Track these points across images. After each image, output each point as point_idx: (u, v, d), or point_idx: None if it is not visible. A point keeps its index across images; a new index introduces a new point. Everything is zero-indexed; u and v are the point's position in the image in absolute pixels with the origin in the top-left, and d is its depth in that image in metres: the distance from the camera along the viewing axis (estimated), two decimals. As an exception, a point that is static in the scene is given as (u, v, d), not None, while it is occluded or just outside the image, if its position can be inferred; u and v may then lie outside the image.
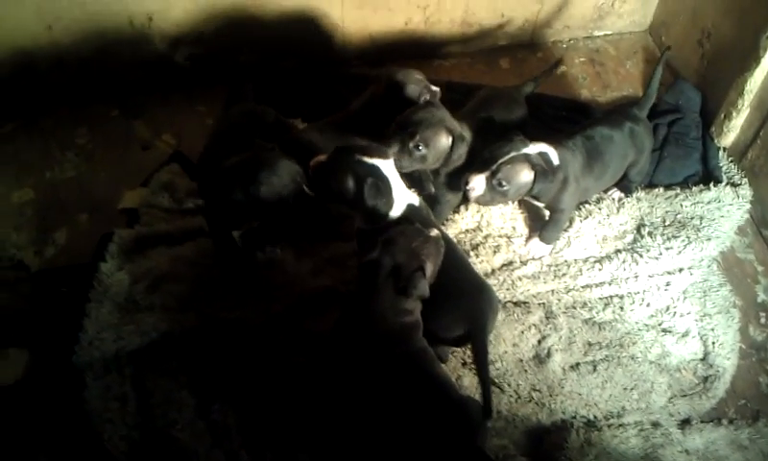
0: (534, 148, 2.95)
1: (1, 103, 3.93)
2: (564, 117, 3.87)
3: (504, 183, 2.91)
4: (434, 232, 2.65)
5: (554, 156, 2.98)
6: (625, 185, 3.49)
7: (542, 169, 2.92)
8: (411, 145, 2.89)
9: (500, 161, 2.91)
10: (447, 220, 3.41)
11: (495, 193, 2.95)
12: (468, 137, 3.13)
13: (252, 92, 3.68)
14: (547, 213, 3.31)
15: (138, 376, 2.97)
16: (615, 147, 3.23)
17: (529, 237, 3.37)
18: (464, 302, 2.70)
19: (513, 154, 2.91)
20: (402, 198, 2.81)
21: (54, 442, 2.86)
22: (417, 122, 2.91)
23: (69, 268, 3.33)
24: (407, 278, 2.48)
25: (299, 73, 4.13)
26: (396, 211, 2.80)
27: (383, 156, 2.79)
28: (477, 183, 2.93)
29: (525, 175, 2.92)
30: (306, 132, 3.30)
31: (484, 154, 2.99)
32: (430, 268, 2.57)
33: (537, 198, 3.13)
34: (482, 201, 3.00)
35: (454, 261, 2.75)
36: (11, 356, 3.09)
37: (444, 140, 2.96)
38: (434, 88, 3.25)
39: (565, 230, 3.36)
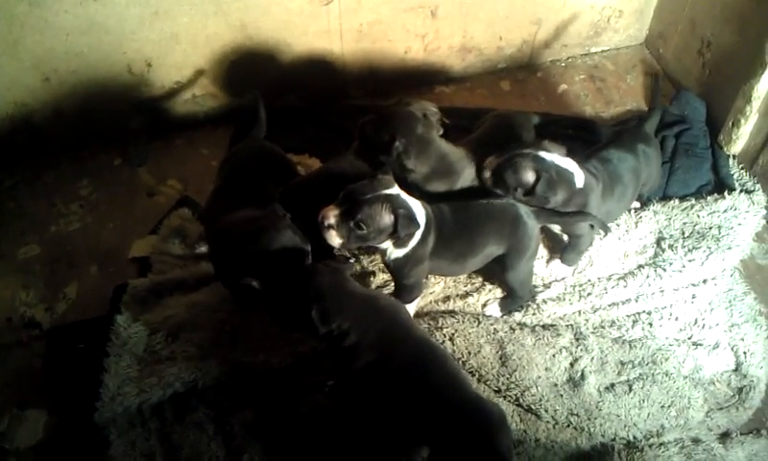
0: (556, 158, 2.92)
1: (1, 158, 3.88)
2: (571, 136, 3.84)
3: (505, 174, 2.90)
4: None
5: (579, 178, 2.94)
6: (638, 196, 3.48)
7: (549, 177, 2.88)
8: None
9: (512, 153, 2.91)
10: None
11: (499, 180, 2.94)
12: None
13: (262, 117, 3.54)
14: (565, 237, 3.29)
15: (164, 430, 2.90)
16: (632, 169, 3.21)
17: (550, 259, 3.34)
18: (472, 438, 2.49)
19: (526, 151, 2.90)
20: (421, 213, 2.81)
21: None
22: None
23: (83, 323, 3.26)
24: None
25: (300, 109, 4.10)
26: (421, 227, 2.80)
27: (391, 183, 2.79)
28: (488, 165, 2.95)
29: (528, 174, 2.88)
30: (328, 166, 3.26)
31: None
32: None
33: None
34: (487, 182, 2.98)
35: (446, 384, 2.55)
36: (29, 418, 3.02)
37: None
38: (432, 108, 3.30)
39: (588, 248, 3.33)
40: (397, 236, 2.73)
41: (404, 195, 2.77)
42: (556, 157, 2.92)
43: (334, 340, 2.51)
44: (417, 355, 2.54)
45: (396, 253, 2.87)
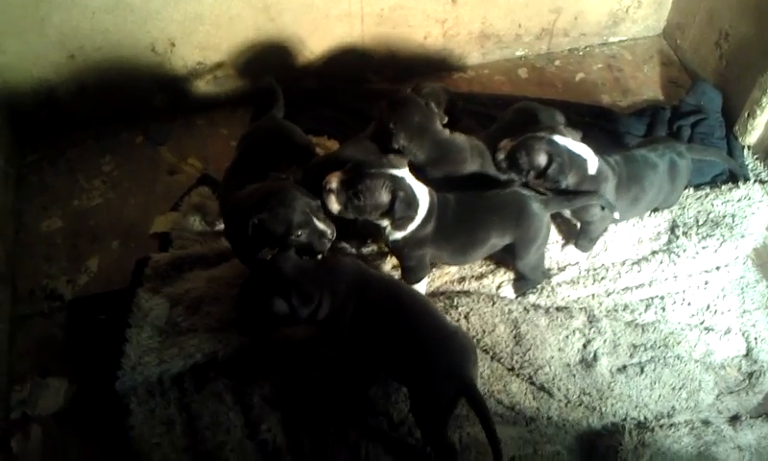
0: (569, 143, 2.98)
1: (25, 133, 3.94)
2: (588, 123, 3.87)
3: (519, 156, 2.97)
4: None
5: (592, 165, 3.00)
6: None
7: (561, 161, 2.94)
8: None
9: (526, 136, 2.98)
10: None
11: (512, 163, 3.00)
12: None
13: (280, 96, 3.56)
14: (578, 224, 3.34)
15: (183, 400, 2.96)
16: (655, 174, 3.23)
17: (565, 243, 3.39)
18: (440, 359, 2.56)
19: (540, 134, 2.97)
20: (424, 199, 2.86)
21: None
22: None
23: (105, 295, 3.33)
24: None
25: (319, 91, 4.15)
26: (421, 213, 2.86)
27: (402, 164, 2.83)
28: (503, 148, 3.03)
29: (540, 157, 2.95)
30: (345, 148, 3.27)
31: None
32: None
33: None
34: (500, 167, 3.05)
35: (416, 319, 2.67)
36: (50, 386, 3.08)
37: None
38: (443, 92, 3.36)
39: (601, 235, 3.36)
40: (393, 217, 2.79)
41: (410, 179, 2.81)
42: (569, 142, 2.97)
43: (312, 318, 2.60)
44: (385, 292, 2.68)
45: (394, 234, 2.92)
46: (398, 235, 2.92)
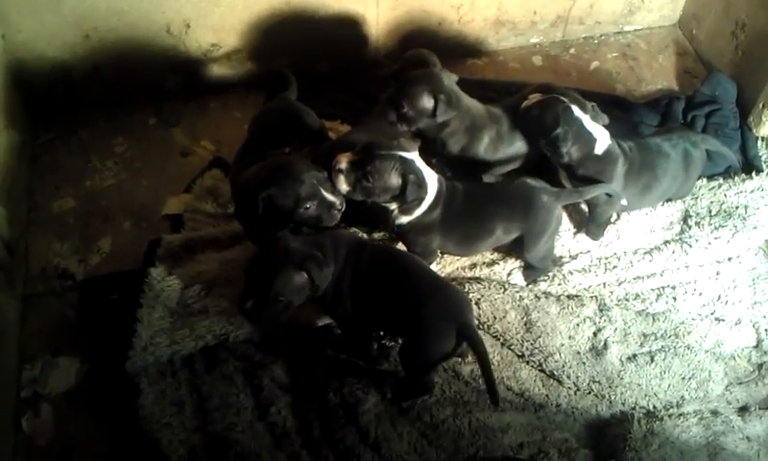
0: (586, 119, 3.05)
1: (38, 113, 3.94)
2: (602, 111, 3.85)
3: (535, 108, 3.05)
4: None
5: (601, 146, 3.04)
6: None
7: (567, 130, 2.99)
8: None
9: (552, 96, 3.05)
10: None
11: (527, 113, 3.10)
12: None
13: (292, 81, 3.57)
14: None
15: (194, 381, 2.97)
16: (668, 163, 3.25)
17: (577, 232, 3.39)
18: (439, 305, 2.65)
19: (565, 100, 3.03)
20: (432, 184, 2.87)
21: (111, 448, 2.88)
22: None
23: (116, 275, 3.33)
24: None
25: (334, 76, 4.14)
26: (429, 198, 2.87)
27: (412, 147, 2.84)
28: (533, 98, 3.10)
29: (549, 118, 3.00)
30: (354, 133, 3.27)
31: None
32: None
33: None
34: (520, 116, 3.16)
35: (410, 272, 2.75)
36: (61, 365, 3.10)
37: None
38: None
39: (614, 223, 3.38)
40: (404, 200, 2.79)
41: (419, 162, 2.82)
42: (586, 118, 3.02)
43: (316, 291, 2.64)
44: (378, 253, 2.80)
45: (400, 219, 2.92)
46: (404, 220, 2.92)
